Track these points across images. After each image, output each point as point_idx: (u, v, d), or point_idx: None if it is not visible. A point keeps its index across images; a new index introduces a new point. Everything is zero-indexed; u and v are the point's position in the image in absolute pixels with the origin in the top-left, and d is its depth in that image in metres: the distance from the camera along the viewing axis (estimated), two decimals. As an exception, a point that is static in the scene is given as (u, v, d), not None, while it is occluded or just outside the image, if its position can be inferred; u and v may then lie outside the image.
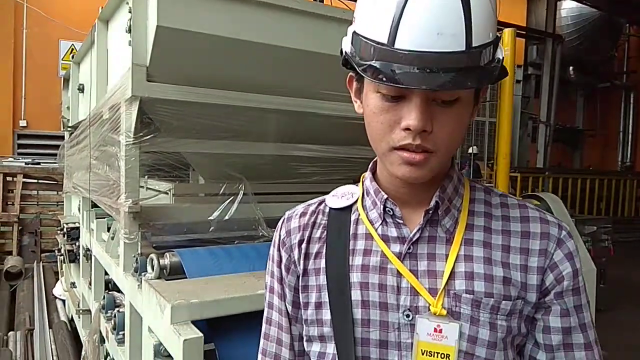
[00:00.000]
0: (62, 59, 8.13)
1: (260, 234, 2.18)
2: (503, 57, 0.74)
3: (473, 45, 0.68)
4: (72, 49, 7.91)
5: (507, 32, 2.67)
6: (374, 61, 0.69)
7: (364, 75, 0.71)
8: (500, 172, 2.66)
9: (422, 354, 0.77)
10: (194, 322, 1.44)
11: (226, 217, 2.12)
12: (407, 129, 0.71)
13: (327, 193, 0.94)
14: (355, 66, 0.73)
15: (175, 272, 1.75)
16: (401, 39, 0.67)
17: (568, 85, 12.70)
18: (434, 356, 0.77)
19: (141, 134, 1.89)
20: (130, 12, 1.81)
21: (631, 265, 7.58)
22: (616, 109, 14.22)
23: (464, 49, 0.67)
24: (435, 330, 0.77)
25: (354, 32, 0.75)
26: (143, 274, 1.76)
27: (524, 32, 10.41)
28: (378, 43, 0.69)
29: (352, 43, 0.76)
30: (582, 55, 12.17)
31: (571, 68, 12.50)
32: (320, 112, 2.18)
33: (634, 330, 4.90)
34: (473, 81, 0.69)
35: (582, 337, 0.80)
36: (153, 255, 1.73)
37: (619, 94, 14.15)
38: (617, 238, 7.30)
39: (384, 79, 0.68)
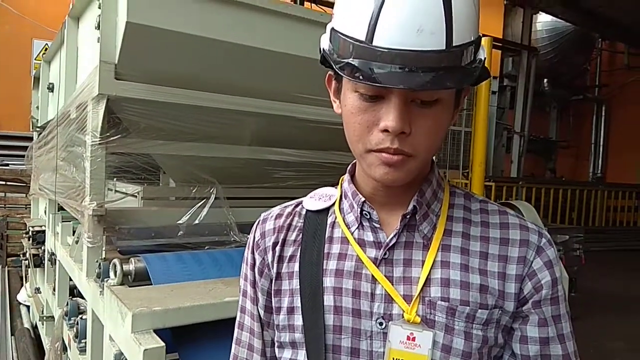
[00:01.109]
0: (34, 59, 7.93)
1: (232, 239, 2.12)
2: (485, 58, 0.71)
3: (454, 44, 0.65)
4: (46, 48, 7.70)
5: (484, 41, 2.69)
6: (351, 59, 0.67)
7: (341, 74, 0.69)
8: (476, 179, 2.66)
9: None
10: (157, 331, 1.38)
11: (196, 222, 2.06)
12: (385, 130, 0.68)
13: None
14: (333, 64, 0.70)
15: (140, 279, 1.68)
16: (379, 36, 0.65)
17: (542, 97, 12.95)
18: None
19: (108, 134, 1.82)
20: (100, 7, 1.75)
21: (601, 274, 7.71)
22: (588, 121, 14.55)
23: (444, 47, 0.65)
24: (408, 338, 0.74)
25: (332, 29, 0.72)
26: (105, 279, 1.68)
27: (500, 44, 10.58)
28: (356, 40, 0.67)
29: (330, 40, 0.73)
30: (556, 68, 12.45)
31: (545, 80, 12.75)
32: (295, 116, 2.14)
33: (603, 338, 4.96)
34: (453, 81, 0.66)
35: (560, 348, 0.77)
36: (116, 261, 1.66)
37: (591, 106, 14.49)
38: (589, 247, 7.42)
39: (361, 77, 0.65)
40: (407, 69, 0.64)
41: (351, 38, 0.68)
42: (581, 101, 14.29)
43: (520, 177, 10.49)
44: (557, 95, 13.65)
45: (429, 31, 0.64)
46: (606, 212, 11.69)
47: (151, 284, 1.66)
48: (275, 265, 0.84)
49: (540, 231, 0.80)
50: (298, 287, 0.81)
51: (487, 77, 0.72)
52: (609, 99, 14.29)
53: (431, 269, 0.76)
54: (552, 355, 0.77)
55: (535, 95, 11.10)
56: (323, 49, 0.74)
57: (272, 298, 0.85)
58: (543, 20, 11.93)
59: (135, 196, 2.26)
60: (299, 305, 0.80)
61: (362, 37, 0.66)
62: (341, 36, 0.70)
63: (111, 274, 1.69)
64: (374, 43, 0.65)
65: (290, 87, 2.08)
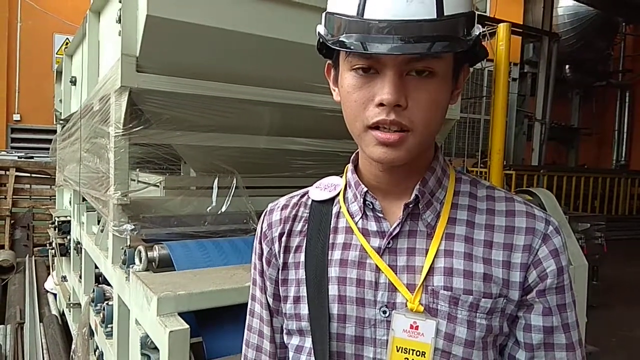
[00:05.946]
0: (56, 53, 8.08)
1: (252, 227, 2.16)
2: (480, 33, 0.72)
3: (445, 13, 0.67)
4: (67, 43, 7.86)
5: (502, 27, 2.67)
6: (344, 35, 0.69)
7: (334, 48, 0.71)
8: (494, 167, 2.65)
9: (397, 351, 0.75)
10: (181, 315, 1.42)
11: (220, 212, 2.11)
12: (380, 104, 0.69)
13: None
14: (327, 42, 0.72)
15: (164, 265, 1.73)
16: (370, 9, 0.67)
17: (564, 83, 12.70)
18: (409, 353, 0.75)
19: (131, 125, 1.87)
20: (120, 1, 1.79)
21: (624, 262, 7.61)
22: (612, 107, 14.25)
23: (434, 16, 0.66)
24: (411, 326, 0.75)
25: (327, 13, 0.75)
26: (131, 266, 1.74)
27: (521, 30, 10.39)
28: (348, 16, 0.69)
29: (325, 24, 0.75)
30: (579, 54, 12.18)
31: (567, 66, 12.51)
32: (314, 106, 2.16)
33: (625, 327, 4.91)
34: (445, 47, 0.67)
35: (564, 337, 0.77)
36: (141, 247, 1.71)
37: (614, 92, 14.18)
38: (611, 236, 7.30)
39: (353, 47, 0.67)
40: (398, 37, 0.65)
41: (343, 15, 0.70)
42: (604, 87, 13.99)
43: (541, 165, 10.33)
44: (579, 82, 13.37)
45: (418, 0, 0.66)
46: (630, 200, 11.47)
47: (174, 270, 1.71)
48: (281, 255, 0.86)
49: (548, 218, 0.79)
50: (304, 277, 0.82)
51: (484, 55, 0.73)
52: (633, 85, 13.96)
53: (435, 258, 0.76)
54: (556, 344, 0.77)
55: (556, 82, 10.88)
56: (319, 33, 0.76)
57: (280, 287, 0.86)
58: (564, 4, 11.68)
59: (158, 186, 2.31)
60: (305, 294, 0.81)
61: (354, 13, 0.68)
62: (335, 16, 0.71)
63: (136, 260, 1.74)
64: (366, 16, 0.67)
65: (307, 77, 2.09)
